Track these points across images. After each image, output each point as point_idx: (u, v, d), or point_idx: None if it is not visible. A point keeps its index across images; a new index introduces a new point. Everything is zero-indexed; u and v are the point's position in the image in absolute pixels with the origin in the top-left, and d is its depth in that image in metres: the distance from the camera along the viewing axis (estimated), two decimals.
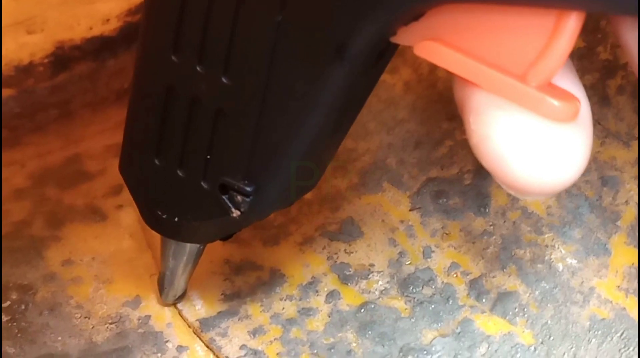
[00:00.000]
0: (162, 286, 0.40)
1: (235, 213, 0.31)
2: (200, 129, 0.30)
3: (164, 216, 0.33)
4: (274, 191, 0.31)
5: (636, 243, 0.42)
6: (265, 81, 0.28)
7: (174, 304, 0.42)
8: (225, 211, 0.31)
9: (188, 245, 0.37)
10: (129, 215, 0.47)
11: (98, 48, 0.54)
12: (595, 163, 0.44)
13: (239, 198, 0.31)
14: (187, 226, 0.33)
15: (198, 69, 0.29)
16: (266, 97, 0.28)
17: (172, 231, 0.35)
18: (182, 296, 0.41)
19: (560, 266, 0.42)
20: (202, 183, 0.31)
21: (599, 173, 0.44)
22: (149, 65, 0.31)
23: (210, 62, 0.29)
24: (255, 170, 0.30)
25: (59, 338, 0.41)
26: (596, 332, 0.40)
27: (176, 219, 0.33)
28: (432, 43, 0.25)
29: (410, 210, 0.45)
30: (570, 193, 0.44)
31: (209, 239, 0.37)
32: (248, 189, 0.30)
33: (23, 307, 0.42)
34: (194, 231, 0.34)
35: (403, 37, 0.26)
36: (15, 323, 0.41)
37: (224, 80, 0.29)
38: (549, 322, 0.40)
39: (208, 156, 0.31)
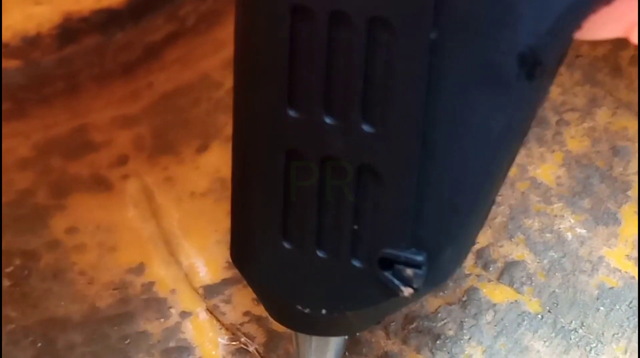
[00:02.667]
0: None
1: (407, 291, 0.24)
2: (340, 196, 0.24)
3: (306, 311, 0.26)
4: (453, 254, 0.25)
5: None
6: (423, 120, 0.22)
7: None
8: (393, 292, 0.24)
9: (333, 340, 0.30)
10: (134, 185, 0.47)
11: (105, 21, 0.53)
12: (607, 133, 0.44)
13: (409, 271, 0.24)
14: (339, 319, 0.26)
15: (327, 120, 0.23)
16: (427, 140, 0.22)
17: (317, 327, 0.28)
18: None
19: (569, 235, 0.41)
20: (354, 262, 0.25)
21: (610, 143, 0.44)
22: (257, 127, 0.24)
23: (342, 109, 0.23)
24: (424, 233, 0.24)
25: (62, 303, 0.41)
26: (604, 301, 0.39)
27: (324, 312, 0.26)
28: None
29: None
30: (580, 163, 0.43)
31: (363, 327, 0.30)
32: (419, 259, 0.24)
33: (26, 273, 0.42)
34: (347, 323, 0.27)
35: (589, 29, 0.21)
36: (18, 288, 0.41)
37: (364, 129, 0.23)
38: (557, 290, 0.39)
39: (356, 227, 0.24)
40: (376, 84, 0.22)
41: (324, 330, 0.28)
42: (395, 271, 0.24)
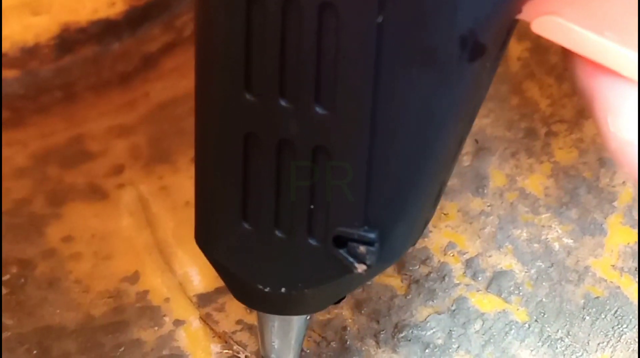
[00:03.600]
0: None
1: (360, 267, 0.25)
2: (295, 179, 0.25)
3: (267, 290, 0.27)
4: (403, 232, 0.25)
5: (632, 223, 0.42)
6: (373, 100, 0.22)
7: None
8: (347, 269, 0.25)
9: (295, 319, 0.31)
10: (129, 194, 0.47)
11: (103, 31, 0.54)
12: (594, 144, 0.44)
13: (362, 248, 0.25)
14: (298, 297, 0.27)
15: (282, 103, 0.24)
16: (376, 121, 0.23)
17: (278, 306, 0.29)
18: None
19: (556, 245, 0.42)
20: (310, 241, 0.25)
21: (597, 154, 0.44)
22: (216, 112, 0.25)
23: (295, 92, 0.23)
24: (376, 211, 0.24)
25: (57, 311, 0.41)
26: (590, 310, 0.40)
27: (283, 290, 0.27)
28: (553, 18, 0.21)
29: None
30: (568, 174, 0.44)
31: (323, 306, 0.30)
32: (371, 236, 0.25)
33: (22, 281, 0.42)
34: (306, 301, 0.28)
35: (525, 11, 0.22)
36: (14, 296, 0.42)
37: (317, 110, 0.23)
38: (544, 300, 0.40)
39: (311, 206, 0.25)
40: (327, 67, 0.23)
41: (285, 308, 0.29)
42: (349, 248, 0.25)
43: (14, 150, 0.51)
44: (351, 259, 0.25)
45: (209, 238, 0.28)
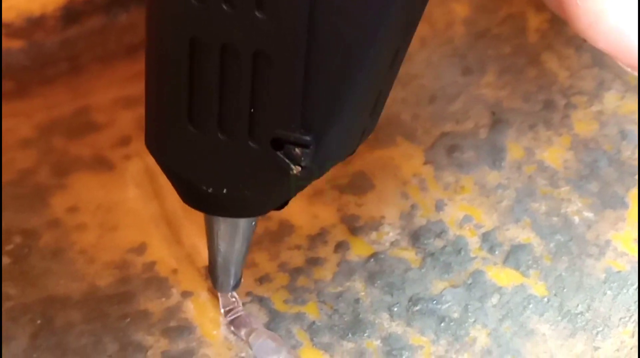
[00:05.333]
0: (214, 276, 0.36)
1: (296, 169, 0.26)
2: (237, 80, 0.26)
3: (210, 191, 0.28)
4: (336, 137, 0.27)
5: None
6: (310, 6, 0.23)
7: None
8: (284, 170, 0.27)
9: (240, 221, 0.32)
10: (136, 165, 0.46)
11: (109, 2, 0.53)
12: (615, 116, 0.43)
13: (298, 150, 0.26)
14: (239, 198, 0.29)
15: (224, 7, 0.24)
16: (313, 26, 0.24)
17: (221, 207, 0.30)
18: (238, 284, 0.36)
19: (576, 219, 0.41)
20: (250, 143, 0.27)
21: (618, 126, 0.43)
22: (163, 17, 0.26)
23: None
24: (311, 115, 0.26)
25: (61, 281, 0.40)
26: (611, 284, 0.38)
27: (225, 191, 0.28)
28: None
29: (423, 164, 0.44)
30: (587, 146, 0.43)
31: (265, 209, 0.31)
32: (307, 138, 0.26)
33: (26, 251, 0.41)
34: (247, 203, 0.29)
35: None
36: (17, 266, 0.41)
37: (258, 15, 0.24)
38: (563, 273, 0.39)
39: (252, 110, 0.26)
40: None
41: (228, 210, 0.30)
42: (286, 150, 0.26)
43: (19, 121, 0.50)
44: (287, 161, 0.26)
45: (157, 141, 0.29)
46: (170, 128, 0.28)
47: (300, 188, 0.29)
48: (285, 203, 0.31)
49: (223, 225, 0.32)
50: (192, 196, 0.30)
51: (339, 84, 0.25)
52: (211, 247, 0.34)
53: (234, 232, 0.32)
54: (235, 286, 0.36)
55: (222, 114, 0.27)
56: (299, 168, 0.26)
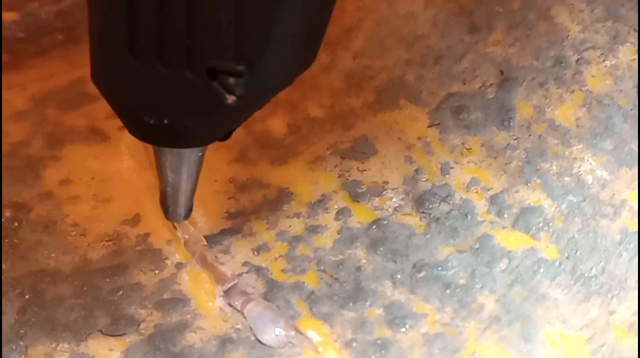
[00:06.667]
0: (165, 206, 0.36)
1: (230, 98, 0.27)
2: (173, 12, 0.26)
3: (152, 122, 0.29)
4: (270, 67, 0.27)
5: None
6: None
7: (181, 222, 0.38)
8: (219, 100, 0.27)
9: (185, 153, 0.32)
10: (131, 136, 0.44)
11: None
12: (630, 71, 0.41)
13: (232, 80, 0.27)
14: (180, 128, 0.29)
15: None
16: None
17: (164, 137, 0.30)
18: (189, 214, 0.37)
19: (589, 178, 0.38)
20: (188, 73, 0.27)
21: (633, 81, 0.41)
22: None
23: None
24: (244, 45, 0.26)
25: (52, 255, 0.39)
26: (627, 246, 0.36)
27: (166, 122, 0.29)
28: None
29: (428, 127, 0.42)
30: (601, 103, 0.40)
31: (206, 140, 0.31)
32: (240, 68, 0.26)
33: (16, 224, 0.40)
34: (188, 133, 0.30)
35: None
36: (7, 240, 0.39)
37: None
38: (576, 236, 0.37)
39: (189, 41, 0.26)
40: None
41: (172, 141, 0.31)
42: (220, 80, 0.27)
43: (13, 93, 0.48)
44: (222, 90, 0.27)
45: (101, 74, 0.29)
46: (112, 61, 0.28)
47: (242, 117, 0.30)
48: (229, 135, 0.31)
49: (169, 156, 0.33)
50: (137, 128, 0.30)
51: (270, 13, 0.26)
52: (161, 178, 0.34)
53: (180, 163, 0.33)
54: (186, 216, 0.36)
55: (161, 46, 0.27)
56: (234, 98, 0.27)
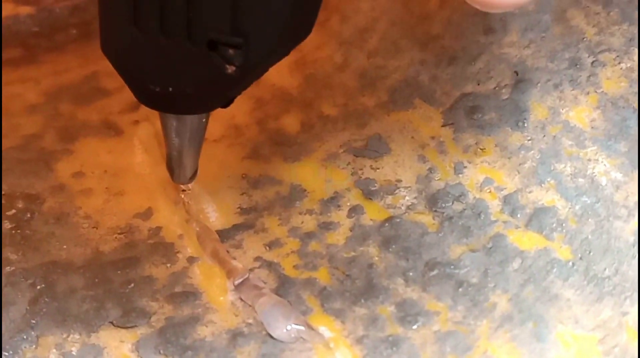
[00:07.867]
0: (171, 169, 0.38)
1: (230, 68, 0.29)
2: None
3: (157, 90, 0.31)
4: (266, 38, 0.29)
5: None
6: None
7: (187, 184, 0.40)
8: (219, 69, 0.29)
9: (189, 119, 0.34)
10: (145, 130, 0.45)
11: None
12: None
13: (230, 51, 0.29)
14: (183, 96, 0.31)
15: None
16: None
17: (168, 104, 0.32)
18: (193, 177, 0.38)
19: (603, 180, 0.38)
20: (189, 45, 0.29)
21: None
22: None
23: None
24: (241, 18, 0.28)
25: (64, 246, 0.39)
26: None
27: (170, 89, 0.31)
28: None
29: (442, 126, 0.42)
30: (616, 105, 0.40)
31: (208, 107, 0.34)
32: (238, 40, 0.28)
33: (28, 216, 0.40)
34: (191, 100, 0.32)
35: None
36: (19, 231, 0.39)
37: None
38: (590, 236, 0.37)
39: (190, 14, 0.29)
40: None
41: (176, 107, 0.33)
42: (220, 51, 0.29)
43: (26, 87, 0.48)
44: (222, 60, 0.29)
45: (110, 44, 0.31)
46: (119, 32, 0.30)
47: (242, 86, 0.31)
48: (231, 101, 0.33)
49: (175, 121, 0.34)
50: (143, 95, 0.32)
51: None
52: (167, 143, 0.36)
53: (184, 128, 0.35)
54: (191, 179, 0.38)
55: (163, 19, 0.29)
56: (233, 67, 0.29)
